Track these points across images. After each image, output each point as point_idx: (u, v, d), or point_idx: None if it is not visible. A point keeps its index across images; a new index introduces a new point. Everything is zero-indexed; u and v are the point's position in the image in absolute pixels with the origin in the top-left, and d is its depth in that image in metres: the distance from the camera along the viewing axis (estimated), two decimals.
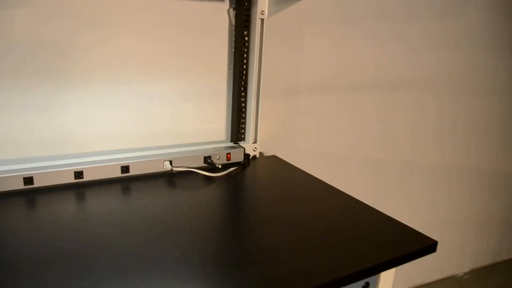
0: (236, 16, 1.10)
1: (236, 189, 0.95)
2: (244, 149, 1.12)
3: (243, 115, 1.16)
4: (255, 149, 1.17)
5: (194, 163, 1.06)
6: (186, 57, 1.08)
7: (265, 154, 1.25)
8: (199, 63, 1.10)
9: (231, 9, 1.10)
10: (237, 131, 1.16)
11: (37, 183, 0.90)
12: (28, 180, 0.89)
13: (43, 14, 0.90)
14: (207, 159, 1.06)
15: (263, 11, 1.07)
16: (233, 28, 1.12)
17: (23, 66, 0.91)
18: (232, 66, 1.14)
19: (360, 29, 1.31)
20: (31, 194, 0.87)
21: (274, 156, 1.22)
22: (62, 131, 0.98)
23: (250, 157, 1.17)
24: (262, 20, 1.09)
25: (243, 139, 1.18)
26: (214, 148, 1.10)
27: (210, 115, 1.17)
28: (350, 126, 1.41)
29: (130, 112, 1.05)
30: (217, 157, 1.08)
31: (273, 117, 1.25)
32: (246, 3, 1.08)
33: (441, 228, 1.86)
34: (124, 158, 0.99)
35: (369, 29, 1.33)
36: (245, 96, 1.14)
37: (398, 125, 1.52)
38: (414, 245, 0.74)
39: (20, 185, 0.88)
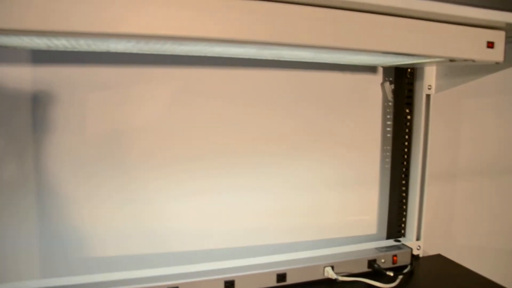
0: (396, 91, 0.94)
1: None
2: (412, 249, 0.91)
3: (404, 207, 0.96)
4: (418, 248, 0.96)
5: (357, 268, 0.86)
6: (327, 137, 0.93)
7: (425, 252, 1.03)
8: (344, 144, 0.94)
9: (387, 83, 0.95)
10: (397, 225, 0.97)
11: None
12: None
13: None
14: (372, 263, 0.87)
15: (430, 85, 0.91)
16: (387, 104, 0.96)
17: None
18: (387, 147, 0.97)
19: None
20: None
21: (439, 255, 0.99)
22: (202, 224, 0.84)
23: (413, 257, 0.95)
24: (429, 96, 0.92)
25: (403, 234, 0.98)
26: (376, 248, 0.90)
27: (358, 205, 0.99)
28: None
29: (260, 204, 0.89)
30: (382, 260, 0.88)
31: (433, 206, 1.04)
32: (409, 76, 0.92)
33: None
34: (279, 262, 0.82)
35: None
36: (407, 184, 0.95)
37: None
38: None
39: None
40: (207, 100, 0.83)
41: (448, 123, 1.03)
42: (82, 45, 0.56)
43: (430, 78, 0.91)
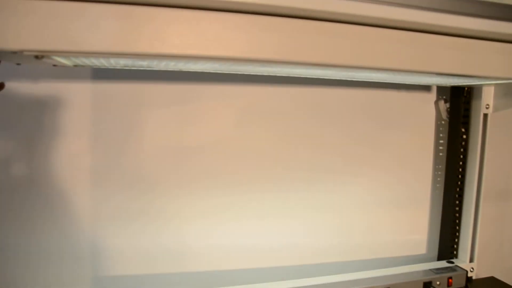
0: (452, 110, 0.93)
1: None
2: (467, 272, 0.89)
3: (457, 227, 0.94)
4: (472, 270, 0.94)
5: None
6: (378, 155, 0.91)
7: (476, 275, 1.00)
8: (394, 162, 0.93)
9: (442, 101, 0.94)
10: (450, 246, 0.95)
11: None
12: None
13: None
14: (427, 285, 0.85)
15: (488, 104, 0.89)
16: (440, 122, 0.95)
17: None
18: (439, 166, 0.95)
19: None
20: None
21: (492, 278, 0.97)
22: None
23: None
24: (486, 115, 0.90)
25: (455, 256, 0.96)
26: (431, 270, 0.88)
27: (407, 224, 0.97)
28: None
29: (306, 222, 0.89)
30: (437, 283, 0.86)
31: (484, 227, 1.02)
32: (466, 95, 0.90)
33: None
34: (336, 283, 0.80)
35: None
36: (460, 204, 0.94)
37: None
38: None
39: None
40: (257, 118, 0.82)
41: (501, 142, 1.01)
42: (160, 65, 0.56)
43: (488, 97, 0.89)
